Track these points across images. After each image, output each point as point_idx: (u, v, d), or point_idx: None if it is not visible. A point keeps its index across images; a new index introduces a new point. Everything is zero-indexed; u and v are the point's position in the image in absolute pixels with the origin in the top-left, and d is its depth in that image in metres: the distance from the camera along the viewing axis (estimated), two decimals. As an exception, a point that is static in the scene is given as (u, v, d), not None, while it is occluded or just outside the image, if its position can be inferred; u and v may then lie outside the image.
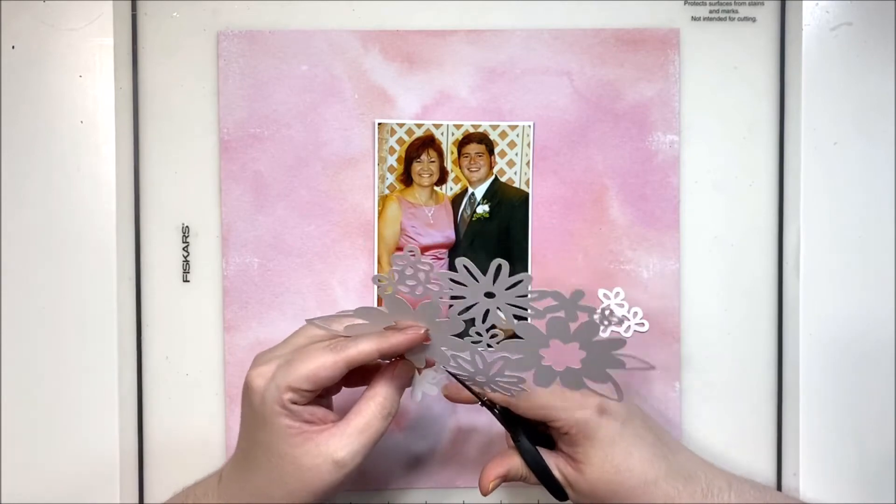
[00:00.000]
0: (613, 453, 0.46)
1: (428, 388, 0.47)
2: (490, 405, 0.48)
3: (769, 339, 0.55)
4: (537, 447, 0.48)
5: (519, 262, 0.54)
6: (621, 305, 0.54)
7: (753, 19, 0.54)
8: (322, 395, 0.45)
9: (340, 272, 0.54)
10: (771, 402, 0.55)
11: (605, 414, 0.46)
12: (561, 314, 0.40)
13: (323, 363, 0.41)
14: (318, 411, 0.43)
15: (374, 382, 0.45)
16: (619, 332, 0.48)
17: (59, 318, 0.53)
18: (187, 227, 0.54)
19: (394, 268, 0.40)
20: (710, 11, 0.54)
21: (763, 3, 0.54)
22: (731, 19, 0.54)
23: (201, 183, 0.54)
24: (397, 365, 0.45)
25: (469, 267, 0.39)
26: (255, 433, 0.43)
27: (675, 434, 0.54)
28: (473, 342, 0.42)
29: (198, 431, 0.54)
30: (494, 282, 0.40)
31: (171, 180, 0.54)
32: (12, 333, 0.53)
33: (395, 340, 0.42)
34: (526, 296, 0.40)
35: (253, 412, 0.43)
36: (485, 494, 0.47)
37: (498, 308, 0.40)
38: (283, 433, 0.42)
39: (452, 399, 0.49)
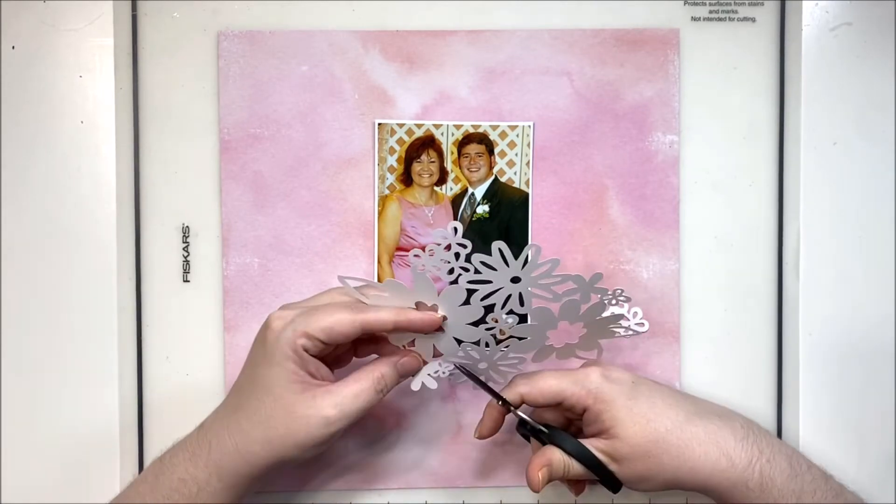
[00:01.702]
0: (637, 405, 0.46)
1: (429, 380, 0.48)
2: (510, 407, 0.48)
3: (769, 339, 0.55)
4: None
5: (519, 262, 0.54)
6: (621, 305, 0.55)
7: (753, 19, 0.54)
8: (331, 362, 0.47)
9: (340, 272, 0.54)
10: (771, 401, 0.55)
11: (610, 379, 0.47)
12: (577, 297, 0.44)
13: (341, 319, 0.43)
14: (323, 369, 0.45)
15: (379, 359, 0.47)
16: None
17: (59, 318, 0.53)
18: (187, 227, 0.54)
19: (434, 241, 0.43)
20: (710, 11, 0.54)
21: (763, 3, 0.54)
22: (731, 19, 0.54)
23: (201, 183, 0.54)
24: (405, 354, 0.47)
25: (504, 250, 0.42)
26: (258, 370, 0.45)
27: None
28: (487, 329, 0.44)
29: (198, 431, 0.54)
30: (524, 266, 0.42)
31: (171, 180, 0.54)
32: (12, 333, 0.53)
33: (413, 317, 0.44)
34: (550, 279, 0.42)
35: (264, 350, 0.45)
36: (536, 490, 0.46)
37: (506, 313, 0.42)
38: (287, 377, 0.44)
39: (484, 434, 0.49)
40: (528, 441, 0.50)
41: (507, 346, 0.46)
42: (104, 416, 0.53)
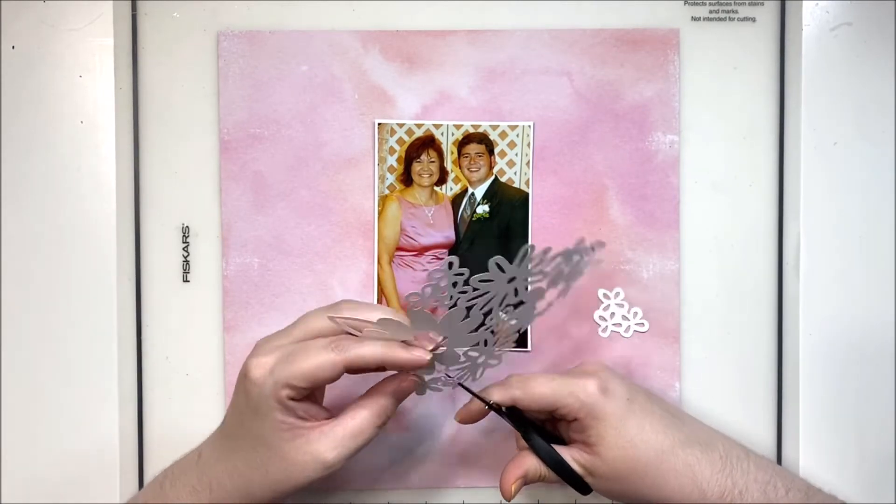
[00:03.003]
0: (625, 428, 0.46)
1: (433, 389, 0.47)
2: (498, 409, 0.48)
3: (769, 339, 0.55)
4: (550, 444, 0.48)
5: (519, 262, 0.54)
6: (621, 305, 0.55)
7: (753, 19, 0.54)
8: (319, 388, 0.45)
9: (340, 272, 0.54)
10: (771, 402, 0.55)
11: (607, 392, 0.46)
12: (563, 266, 0.43)
13: (323, 364, 0.41)
14: (312, 408, 0.44)
15: (376, 389, 0.45)
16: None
17: (59, 318, 0.53)
18: (187, 227, 0.54)
19: (430, 283, 0.41)
20: (710, 11, 0.54)
21: (763, 3, 0.54)
22: (731, 19, 0.54)
23: (201, 183, 0.54)
24: (404, 379, 0.45)
25: (501, 263, 0.41)
26: (245, 420, 0.43)
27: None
28: (486, 329, 0.43)
29: (198, 431, 0.54)
30: (519, 265, 0.41)
31: (171, 180, 0.54)
32: (12, 333, 0.53)
33: (400, 356, 0.42)
34: (536, 262, 0.42)
35: (247, 400, 0.43)
36: (508, 499, 0.47)
37: (501, 311, 0.41)
38: (276, 427, 0.42)
39: (465, 421, 0.49)
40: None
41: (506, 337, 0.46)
42: (104, 416, 0.53)
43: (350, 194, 0.54)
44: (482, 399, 0.47)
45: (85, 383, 0.53)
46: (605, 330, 0.54)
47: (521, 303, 0.43)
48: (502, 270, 0.41)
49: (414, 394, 0.46)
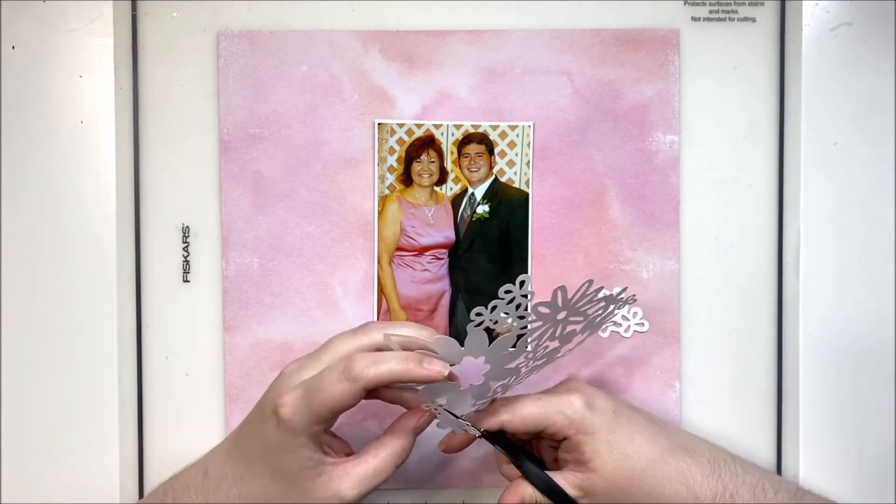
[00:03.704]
0: (616, 440, 0.46)
1: (455, 426, 0.46)
2: (488, 436, 0.47)
3: (769, 339, 0.55)
4: (544, 470, 0.47)
5: (519, 261, 0.54)
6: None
7: (753, 19, 0.54)
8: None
9: (340, 272, 0.54)
10: (771, 402, 0.55)
11: (593, 407, 0.46)
12: (600, 312, 0.44)
13: (342, 395, 0.42)
14: (334, 442, 0.45)
15: (397, 427, 0.46)
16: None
17: (59, 318, 0.53)
18: (187, 227, 0.54)
19: (500, 298, 0.40)
20: (710, 11, 0.54)
21: (763, 3, 0.54)
22: (731, 19, 0.54)
23: (201, 183, 0.54)
24: (420, 414, 0.45)
25: (561, 292, 0.41)
26: (269, 452, 0.43)
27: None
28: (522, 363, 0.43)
29: (198, 431, 0.54)
30: (574, 301, 0.41)
31: (171, 180, 0.54)
32: (12, 333, 0.53)
33: (416, 373, 0.42)
34: (591, 296, 0.42)
35: (275, 435, 0.43)
36: None
37: (505, 313, 0.41)
38: (303, 464, 0.43)
39: (449, 450, 0.49)
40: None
41: (538, 363, 0.45)
42: (104, 416, 0.53)
43: (350, 194, 0.54)
44: (473, 427, 0.46)
45: (85, 383, 0.53)
46: (604, 330, 0.54)
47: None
48: (560, 300, 0.41)
49: (437, 424, 0.46)
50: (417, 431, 0.46)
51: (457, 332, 0.54)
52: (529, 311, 0.41)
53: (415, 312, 0.54)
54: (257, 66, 0.54)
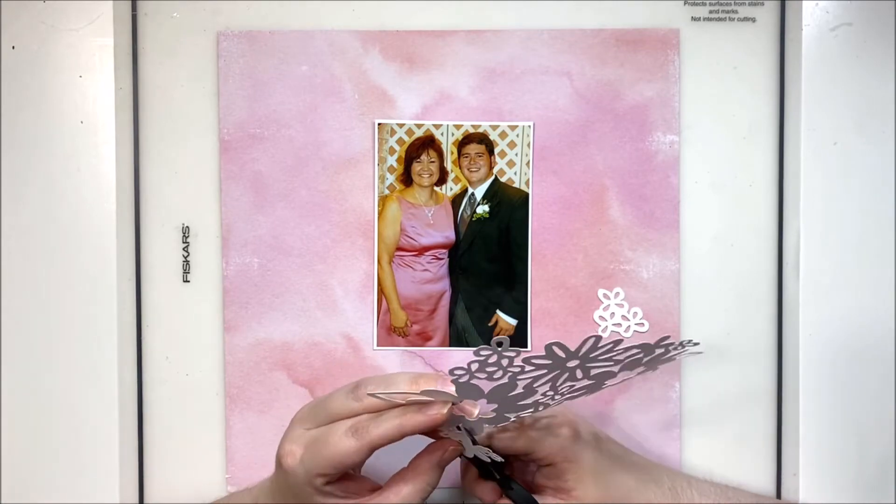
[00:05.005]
0: (600, 472, 0.47)
1: (481, 453, 0.45)
2: (475, 461, 0.46)
3: (769, 339, 0.55)
4: (531, 494, 0.47)
5: (519, 262, 0.54)
6: (621, 305, 0.55)
7: (753, 19, 0.54)
8: None
9: (340, 272, 0.54)
10: (771, 402, 0.55)
11: (578, 438, 0.47)
12: (640, 355, 0.41)
13: (346, 451, 0.41)
14: (352, 485, 0.45)
15: (419, 460, 0.45)
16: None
17: (59, 318, 0.53)
18: (187, 227, 0.54)
19: (476, 358, 0.39)
20: (710, 11, 0.54)
21: (763, 3, 0.54)
22: (731, 19, 0.54)
23: (201, 183, 0.54)
24: (444, 447, 0.45)
25: (559, 349, 0.39)
26: (288, 498, 0.44)
27: (673, 436, 0.54)
28: (539, 402, 0.42)
29: (198, 431, 0.54)
30: (581, 353, 0.39)
31: (171, 180, 0.54)
32: (12, 333, 0.53)
33: (419, 422, 0.42)
34: (612, 351, 0.40)
35: (286, 484, 0.44)
36: None
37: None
38: None
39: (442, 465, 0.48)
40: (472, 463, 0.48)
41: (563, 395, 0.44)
42: (104, 416, 0.53)
43: (350, 194, 0.54)
44: (461, 454, 0.46)
45: (85, 383, 0.53)
46: (605, 330, 0.54)
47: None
48: (561, 351, 0.39)
49: (465, 453, 0.45)
50: (442, 466, 0.45)
51: (457, 332, 0.54)
52: (520, 363, 0.39)
53: (415, 312, 0.54)
54: (257, 66, 0.54)
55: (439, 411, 0.41)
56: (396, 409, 0.42)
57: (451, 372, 0.39)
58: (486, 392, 0.41)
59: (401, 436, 0.42)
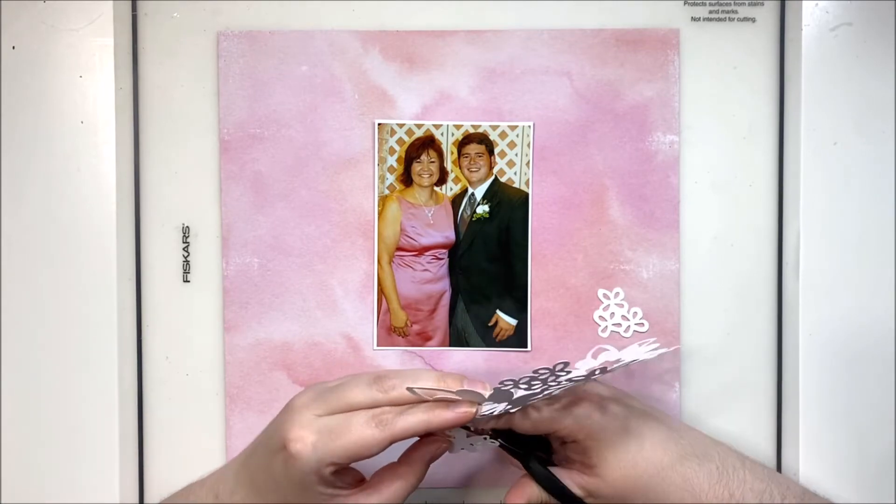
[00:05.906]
0: (625, 447, 0.45)
1: (468, 446, 0.47)
2: (494, 437, 0.47)
3: (769, 339, 0.55)
4: (549, 468, 0.47)
5: (519, 262, 0.54)
6: (621, 305, 0.55)
7: (753, 19, 0.54)
8: None
9: (340, 272, 0.54)
10: (771, 402, 0.55)
11: (605, 413, 0.46)
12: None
13: (367, 442, 0.41)
14: (348, 476, 0.44)
15: (410, 455, 0.45)
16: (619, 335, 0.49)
17: (59, 318, 0.53)
18: (187, 227, 0.54)
19: (534, 376, 0.41)
20: (710, 11, 0.54)
21: (763, 3, 0.54)
22: (731, 19, 0.54)
23: (201, 183, 0.54)
24: (437, 445, 0.45)
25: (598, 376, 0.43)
26: (281, 487, 0.43)
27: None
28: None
29: (198, 431, 0.54)
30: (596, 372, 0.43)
31: (171, 180, 0.54)
32: (12, 333, 0.53)
33: (447, 418, 0.42)
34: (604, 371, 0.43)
35: (286, 471, 0.42)
36: None
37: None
38: (315, 498, 0.42)
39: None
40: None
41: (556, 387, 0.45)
42: (104, 416, 0.53)
43: (350, 194, 0.54)
44: (480, 431, 0.46)
45: (85, 383, 0.53)
46: (604, 330, 0.54)
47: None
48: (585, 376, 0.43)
49: (450, 449, 0.47)
50: (431, 460, 0.45)
51: (456, 331, 0.54)
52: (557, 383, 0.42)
53: (415, 312, 0.54)
54: (257, 66, 0.54)
55: (468, 410, 0.42)
56: (424, 405, 0.42)
57: (503, 383, 0.41)
58: (514, 397, 0.42)
59: (425, 430, 0.42)
